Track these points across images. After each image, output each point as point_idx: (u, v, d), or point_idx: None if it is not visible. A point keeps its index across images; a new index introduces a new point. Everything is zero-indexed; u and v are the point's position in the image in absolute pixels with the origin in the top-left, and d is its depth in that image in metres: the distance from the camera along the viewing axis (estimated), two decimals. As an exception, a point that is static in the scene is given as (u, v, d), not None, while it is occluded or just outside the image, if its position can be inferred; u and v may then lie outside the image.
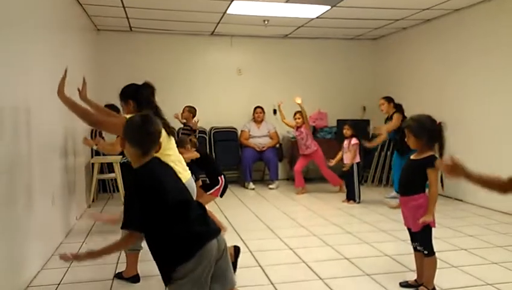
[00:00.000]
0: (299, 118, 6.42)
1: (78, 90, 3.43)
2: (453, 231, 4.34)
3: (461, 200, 5.78)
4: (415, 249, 2.90)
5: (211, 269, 1.89)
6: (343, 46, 7.91)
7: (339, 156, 5.98)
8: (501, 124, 5.20)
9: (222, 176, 4.25)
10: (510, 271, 3.26)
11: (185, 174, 2.87)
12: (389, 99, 5.86)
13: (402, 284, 2.99)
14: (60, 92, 2.84)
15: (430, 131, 2.77)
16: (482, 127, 5.48)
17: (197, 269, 1.83)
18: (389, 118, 5.87)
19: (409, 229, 2.92)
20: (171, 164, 2.66)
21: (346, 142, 5.87)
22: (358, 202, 5.75)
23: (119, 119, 2.70)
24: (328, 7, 5.64)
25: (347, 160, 5.84)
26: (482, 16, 5.47)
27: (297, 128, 6.48)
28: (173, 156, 2.86)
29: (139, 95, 2.91)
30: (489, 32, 5.36)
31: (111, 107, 4.70)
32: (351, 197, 5.81)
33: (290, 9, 5.75)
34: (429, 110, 6.79)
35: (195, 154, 4.14)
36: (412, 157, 2.89)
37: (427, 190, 2.82)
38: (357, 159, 5.82)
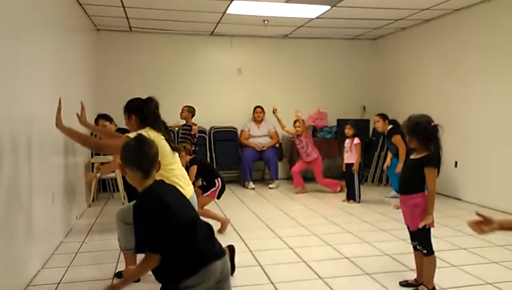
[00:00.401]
0: (299, 126, 6.40)
1: (77, 115, 3.43)
2: (452, 230, 4.34)
3: (460, 199, 5.78)
4: (414, 248, 2.91)
5: (211, 288, 1.92)
6: (342, 46, 7.92)
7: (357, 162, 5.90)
8: (500, 123, 5.20)
9: (219, 178, 4.27)
10: (510, 270, 3.26)
11: (188, 190, 2.87)
12: (384, 117, 5.81)
13: (402, 284, 2.99)
14: (58, 124, 2.90)
15: (423, 130, 2.78)
16: (481, 126, 5.49)
17: (196, 287, 1.85)
18: (385, 135, 5.82)
19: (408, 228, 2.93)
20: (175, 179, 2.73)
21: (348, 141, 5.87)
22: (359, 202, 5.75)
23: (120, 140, 2.68)
24: (328, 7, 5.64)
25: (348, 159, 5.84)
26: (481, 16, 5.48)
27: (297, 136, 6.48)
28: (177, 171, 2.87)
29: (145, 110, 2.89)
30: (488, 32, 5.36)
31: (103, 116, 4.72)
32: (351, 196, 5.82)
33: (289, 9, 5.76)
34: (428, 110, 6.80)
35: (193, 171, 4.22)
36: (411, 157, 2.92)
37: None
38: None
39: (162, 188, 2.05)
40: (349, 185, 5.88)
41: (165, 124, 2.95)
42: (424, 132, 2.78)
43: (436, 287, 2.87)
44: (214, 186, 4.21)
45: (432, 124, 2.81)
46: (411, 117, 2.91)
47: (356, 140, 5.79)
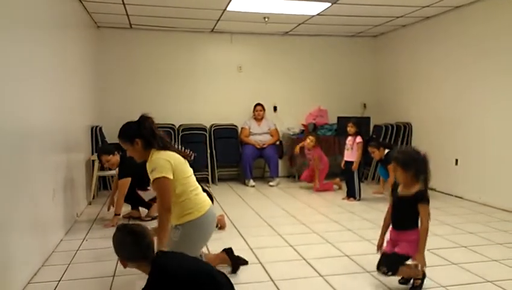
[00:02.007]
0: (311, 141, 6.42)
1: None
2: (452, 228, 4.35)
3: (461, 197, 5.78)
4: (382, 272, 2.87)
5: None
6: (343, 43, 7.90)
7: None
8: (501, 121, 5.19)
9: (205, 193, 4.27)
10: (510, 268, 3.26)
11: (207, 201, 2.91)
12: (378, 145, 5.68)
13: (400, 281, 2.98)
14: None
15: (417, 162, 2.76)
16: (482, 124, 5.48)
17: None
18: (382, 161, 5.72)
19: (383, 254, 2.90)
20: (195, 197, 2.80)
21: (350, 138, 5.86)
22: (359, 199, 5.75)
23: (160, 181, 2.65)
24: (329, 4, 5.62)
25: (348, 157, 5.84)
26: (482, 13, 5.46)
27: (308, 149, 6.52)
28: (193, 180, 2.88)
29: (143, 130, 2.77)
30: (489, 29, 5.34)
31: (103, 151, 4.74)
32: (351, 194, 5.81)
33: (290, 7, 5.74)
34: (428, 108, 6.86)
35: None
36: (400, 192, 2.87)
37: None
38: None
39: (166, 259, 2.19)
40: (349, 183, 5.87)
41: (164, 140, 2.83)
42: (419, 163, 2.75)
43: (436, 285, 2.89)
44: None
45: (422, 153, 2.81)
46: (400, 150, 2.92)
47: (358, 139, 5.78)
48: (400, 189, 2.88)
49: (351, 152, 5.82)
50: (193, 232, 2.79)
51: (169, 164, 2.69)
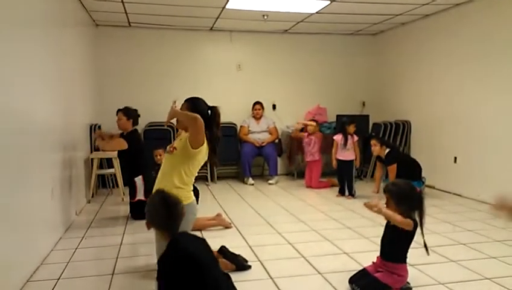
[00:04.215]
0: (312, 126, 6.52)
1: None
2: (452, 226, 4.35)
3: (460, 195, 5.79)
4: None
5: None
6: (342, 41, 7.90)
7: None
8: (500, 118, 5.19)
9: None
10: (509, 265, 3.27)
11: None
12: (381, 142, 5.67)
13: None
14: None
15: (410, 199, 2.72)
16: (480, 122, 5.48)
17: None
18: (380, 158, 5.73)
19: (363, 271, 2.91)
20: (189, 187, 2.95)
21: (349, 138, 5.88)
22: (354, 196, 5.76)
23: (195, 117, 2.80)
24: (328, 2, 5.62)
25: (349, 156, 5.87)
26: (482, 10, 5.46)
27: (309, 135, 6.57)
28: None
29: (211, 117, 2.99)
30: (489, 27, 5.34)
31: (125, 109, 4.78)
32: (350, 192, 5.82)
33: (289, 4, 5.74)
34: (428, 106, 6.86)
35: None
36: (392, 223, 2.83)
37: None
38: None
39: (183, 237, 2.22)
40: (349, 181, 5.87)
41: (219, 138, 3.02)
42: (411, 200, 2.72)
43: (435, 282, 2.90)
44: None
45: (418, 190, 2.79)
46: (396, 183, 2.88)
47: (355, 137, 5.90)
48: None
49: (352, 151, 5.86)
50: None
51: (204, 143, 2.88)
